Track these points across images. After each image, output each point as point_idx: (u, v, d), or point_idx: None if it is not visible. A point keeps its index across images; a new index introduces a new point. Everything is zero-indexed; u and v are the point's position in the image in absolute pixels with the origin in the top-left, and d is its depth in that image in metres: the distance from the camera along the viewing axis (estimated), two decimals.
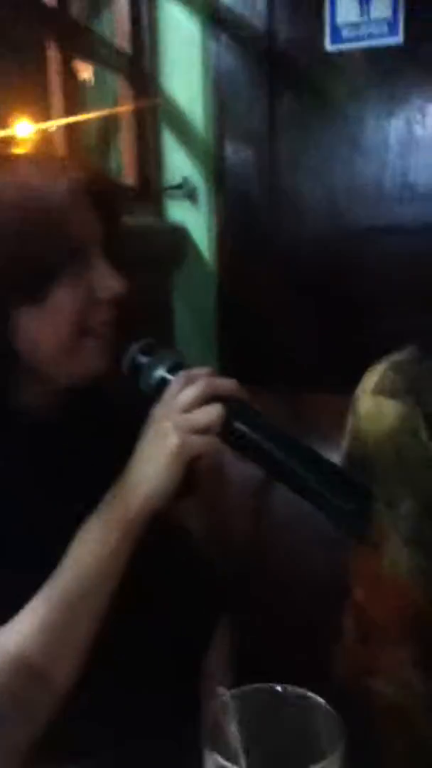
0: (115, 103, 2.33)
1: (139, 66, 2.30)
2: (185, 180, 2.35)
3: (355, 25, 2.22)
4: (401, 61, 2.19)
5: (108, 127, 2.34)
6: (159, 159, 2.36)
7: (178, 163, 2.36)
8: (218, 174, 2.39)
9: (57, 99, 1.91)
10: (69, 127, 1.91)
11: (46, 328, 0.80)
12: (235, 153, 2.38)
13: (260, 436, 0.75)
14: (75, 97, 1.98)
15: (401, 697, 0.87)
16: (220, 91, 2.35)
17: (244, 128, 2.37)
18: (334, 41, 2.24)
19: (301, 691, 0.52)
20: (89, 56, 2.13)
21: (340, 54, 2.24)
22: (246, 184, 2.39)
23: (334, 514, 0.72)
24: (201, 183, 2.37)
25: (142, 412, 0.79)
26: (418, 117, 2.21)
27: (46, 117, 1.89)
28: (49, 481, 0.82)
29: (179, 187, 2.35)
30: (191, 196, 2.36)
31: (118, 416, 0.91)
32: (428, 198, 2.22)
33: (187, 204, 2.37)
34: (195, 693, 0.93)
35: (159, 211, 2.38)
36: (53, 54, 1.91)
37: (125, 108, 2.26)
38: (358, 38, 2.22)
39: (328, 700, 0.51)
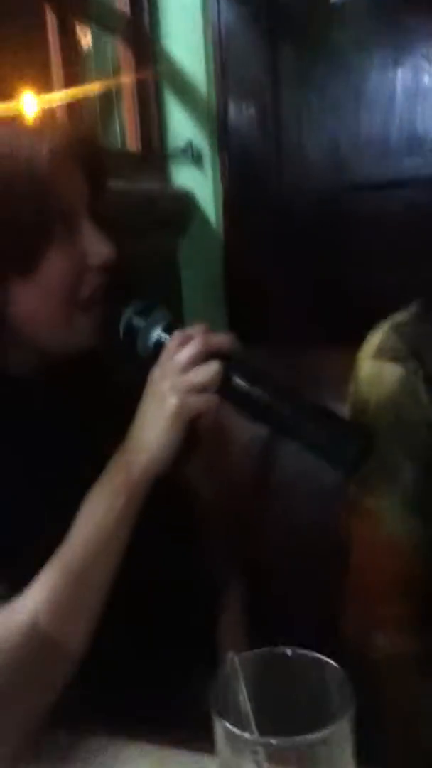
0: (115, 68, 2.29)
1: (139, 28, 2.26)
2: (189, 143, 2.32)
3: None
4: (405, 9, 2.13)
5: (109, 93, 2.31)
6: (162, 123, 2.33)
7: (182, 127, 2.33)
8: (222, 134, 2.35)
9: (56, 65, 1.88)
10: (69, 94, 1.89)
11: (39, 298, 0.80)
12: (239, 112, 2.35)
13: (258, 389, 0.76)
14: (75, 63, 1.94)
15: (399, 650, 0.88)
16: (222, 50, 2.31)
17: (247, 86, 2.32)
18: None
19: (310, 653, 0.51)
20: (88, 18, 2.10)
21: (343, 4, 2.19)
22: (250, 142, 2.35)
23: (336, 458, 0.73)
24: (205, 145, 2.34)
25: (138, 377, 0.79)
26: (425, 65, 2.15)
27: (47, 84, 1.86)
28: (48, 449, 0.82)
29: (183, 151, 2.32)
30: (196, 159, 2.33)
31: (114, 381, 0.92)
32: None
33: (192, 168, 2.35)
34: (207, 660, 0.95)
35: (164, 176, 2.35)
36: (51, 18, 1.87)
37: (127, 77, 2.23)
38: None
39: (337, 659, 0.51)
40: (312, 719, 0.45)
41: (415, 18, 2.14)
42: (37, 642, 0.71)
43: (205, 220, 2.37)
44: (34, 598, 0.72)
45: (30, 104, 1.74)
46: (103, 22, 2.18)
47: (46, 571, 0.73)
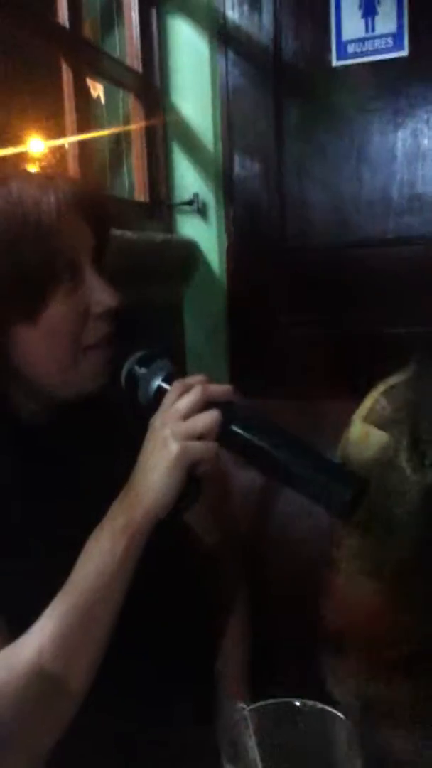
0: (126, 121, 2.36)
1: (149, 84, 2.33)
2: (195, 195, 2.38)
3: (360, 41, 2.24)
4: (407, 74, 2.21)
5: (119, 144, 2.37)
6: (169, 176, 2.39)
7: (188, 179, 2.39)
8: (227, 189, 2.42)
9: (70, 117, 1.94)
10: (82, 146, 1.95)
11: (42, 343, 0.81)
12: (244, 167, 2.41)
13: (256, 436, 0.77)
14: (87, 115, 2.01)
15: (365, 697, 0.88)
16: (229, 107, 2.39)
17: (252, 143, 2.39)
18: (340, 57, 2.27)
19: (319, 705, 0.52)
20: (101, 75, 2.17)
21: (347, 68, 2.27)
22: (255, 198, 2.41)
23: (331, 503, 0.74)
24: (211, 198, 2.39)
25: (139, 422, 0.80)
26: (425, 129, 2.23)
27: (60, 135, 1.92)
28: (51, 491, 0.83)
29: (189, 203, 2.38)
30: (201, 211, 2.39)
31: (116, 425, 0.93)
32: None
33: (197, 219, 2.40)
34: (209, 695, 0.95)
35: (170, 226, 2.40)
36: (66, 73, 1.94)
37: (137, 130, 2.29)
38: (363, 53, 2.24)
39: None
40: None
41: (416, 83, 2.21)
42: (41, 681, 0.71)
43: (209, 271, 2.41)
44: (38, 638, 0.73)
45: (42, 152, 1.79)
46: (115, 78, 2.25)
47: (49, 610, 0.74)
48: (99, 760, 0.79)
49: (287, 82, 2.35)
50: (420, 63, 2.20)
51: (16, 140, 1.74)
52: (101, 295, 0.83)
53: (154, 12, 2.32)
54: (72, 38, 1.95)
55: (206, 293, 2.41)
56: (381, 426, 0.94)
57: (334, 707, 0.52)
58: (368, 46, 2.24)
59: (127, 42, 2.30)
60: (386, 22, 2.21)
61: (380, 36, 2.22)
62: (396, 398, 0.95)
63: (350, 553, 0.93)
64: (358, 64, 2.25)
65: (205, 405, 0.76)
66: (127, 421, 0.91)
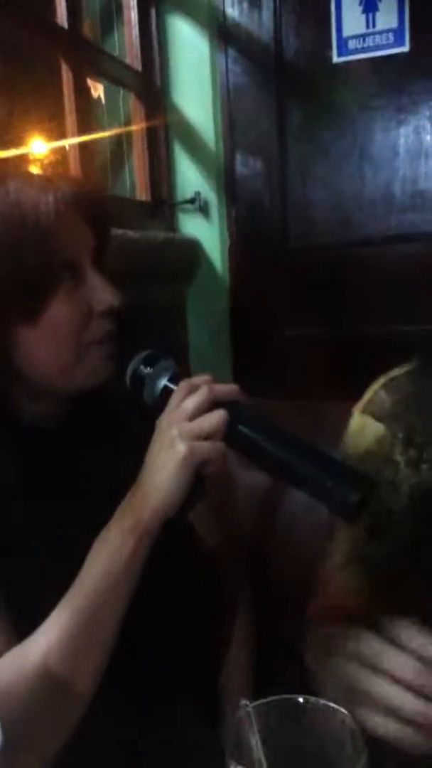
0: (127, 121, 2.36)
1: (150, 83, 2.33)
2: (197, 194, 2.38)
3: (361, 37, 2.24)
4: (408, 70, 2.21)
5: (120, 144, 2.37)
6: (171, 174, 2.39)
7: (190, 178, 2.39)
8: (229, 187, 2.41)
9: (70, 117, 1.94)
10: (83, 146, 1.94)
11: (45, 345, 0.81)
12: (246, 166, 2.41)
13: (263, 436, 0.77)
14: (88, 115, 2.01)
15: None
16: (230, 105, 2.38)
17: (253, 141, 2.39)
18: (340, 53, 2.26)
19: (322, 701, 0.52)
20: (101, 74, 2.17)
21: (347, 64, 2.26)
22: (256, 196, 2.41)
23: (337, 505, 0.74)
24: (212, 196, 2.39)
25: (143, 421, 0.80)
26: (428, 126, 2.22)
27: (61, 135, 1.92)
28: (54, 491, 0.83)
29: (191, 201, 2.38)
30: (203, 209, 2.38)
31: (120, 425, 0.93)
32: None
33: (199, 218, 2.40)
34: (212, 695, 0.94)
35: (172, 225, 2.40)
36: (66, 73, 1.94)
37: (138, 129, 2.29)
38: (364, 49, 2.24)
39: None
40: (324, 767, 0.46)
41: (417, 79, 2.21)
42: (48, 682, 0.71)
43: (211, 269, 2.41)
44: (45, 640, 0.73)
45: (43, 152, 1.79)
46: (115, 78, 2.25)
47: (56, 612, 0.74)
48: (102, 761, 0.78)
49: (288, 80, 2.34)
50: (421, 59, 2.19)
51: (16, 141, 1.74)
52: (102, 294, 0.83)
53: (153, 11, 2.31)
54: (72, 38, 1.95)
55: (209, 292, 2.40)
56: (379, 418, 0.94)
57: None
58: (369, 42, 2.23)
59: (127, 41, 2.30)
60: (387, 17, 2.21)
61: (381, 32, 2.22)
62: (396, 390, 0.95)
63: (342, 546, 0.92)
64: (360, 61, 2.24)
65: (211, 405, 0.76)
66: (131, 421, 0.91)
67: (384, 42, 2.22)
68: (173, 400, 0.78)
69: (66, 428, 0.88)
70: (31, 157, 1.80)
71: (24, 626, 0.75)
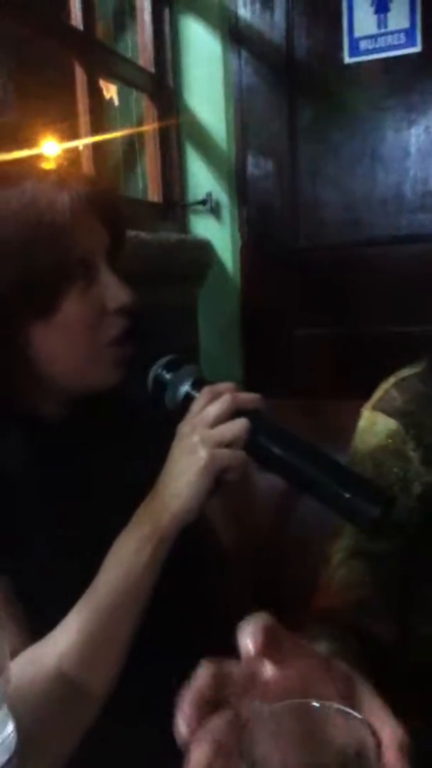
0: (139, 122, 2.37)
1: (162, 84, 2.34)
2: (209, 195, 2.38)
3: (372, 37, 2.23)
4: (419, 70, 2.20)
5: (133, 145, 2.38)
6: (182, 176, 2.40)
7: (202, 179, 2.39)
8: (240, 188, 2.42)
9: (83, 118, 1.95)
10: (95, 147, 1.96)
11: (59, 343, 0.83)
12: (257, 166, 2.41)
13: (283, 447, 0.77)
14: (101, 116, 2.02)
15: None
16: (242, 106, 2.38)
17: (265, 141, 2.39)
18: (352, 54, 2.26)
19: (336, 705, 0.51)
20: (114, 76, 2.18)
21: (359, 65, 2.26)
22: (268, 196, 2.41)
23: (356, 518, 0.74)
24: (224, 198, 2.39)
25: (159, 424, 0.81)
26: None
27: (74, 136, 1.93)
28: (68, 490, 0.84)
29: (203, 202, 2.38)
30: (214, 211, 2.39)
31: (133, 427, 0.94)
32: None
33: (210, 219, 2.40)
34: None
35: (184, 227, 2.41)
36: (79, 74, 1.95)
37: (150, 130, 2.30)
38: (376, 50, 2.24)
39: None
40: None
41: (429, 79, 2.20)
42: (62, 686, 0.72)
43: (222, 270, 2.41)
44: (60, 642, 0.73)
45: (56, 153, 1.80)
46: (128, 79, 2.26)
47: (72, 615, 0.74)
48: (115, 763, 0.79)
49: (300, 80, 2.34)
50: None
51: (29, 142, 1.75)
52: (116, 292, 0.84)
53: (166, 12, 2.32)
54: (85, 40, 1.96)
55: (220, 293, 2.41)
56: (390, 414, 0.94)
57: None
58: (380, 42, 2.23)
59: (140, 43, 2.31)
60: (399, 18, 2.20)
61: (393, 32, 2.21)
62: (407, 390, 0.96)
63: (345, 542, 0.92)
64: (371, 61, 2.24)
65: (233, 413, 0.77)
66: (145, 423, 0.92)
67: (395, 42, 2.21)
68: (195, 407, 0.79)
69: (80, 427, 0.89)
70: (43, 158, 1.81)
71: (39, 622, 0.75)
